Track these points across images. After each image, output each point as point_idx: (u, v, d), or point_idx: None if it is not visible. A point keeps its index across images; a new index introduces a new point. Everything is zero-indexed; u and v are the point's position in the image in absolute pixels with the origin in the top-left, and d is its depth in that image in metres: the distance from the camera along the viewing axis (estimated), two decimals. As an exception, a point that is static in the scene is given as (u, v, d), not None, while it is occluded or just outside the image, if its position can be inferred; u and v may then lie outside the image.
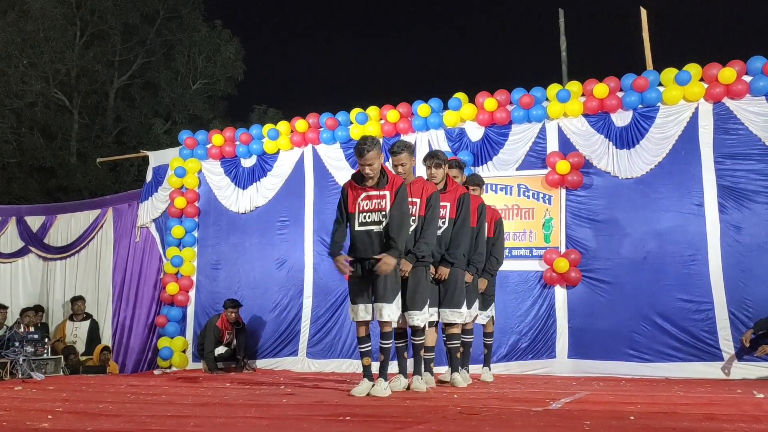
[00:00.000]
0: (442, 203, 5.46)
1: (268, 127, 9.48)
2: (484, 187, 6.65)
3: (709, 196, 7.34)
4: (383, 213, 4.87)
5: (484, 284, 6.13)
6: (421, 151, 8.65)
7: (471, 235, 5.72)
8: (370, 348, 4.97)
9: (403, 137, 8.77)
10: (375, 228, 4.89)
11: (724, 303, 7.11)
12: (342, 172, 9.00)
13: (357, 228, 4.96)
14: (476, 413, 3.69)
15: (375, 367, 4.98)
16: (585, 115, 7.96)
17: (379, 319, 4.90)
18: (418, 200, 5.23)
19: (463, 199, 5.60)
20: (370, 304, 4.93)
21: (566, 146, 7.98)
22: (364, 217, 4.92)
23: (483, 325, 6.53)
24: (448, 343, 5.82)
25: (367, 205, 4.92)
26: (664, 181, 7.56)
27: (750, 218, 7.18)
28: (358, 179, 5.02)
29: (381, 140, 5.45)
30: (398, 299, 4.94)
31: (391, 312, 4.86)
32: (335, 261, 5.00)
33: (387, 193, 4.89)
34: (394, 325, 5.06)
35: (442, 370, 6.38)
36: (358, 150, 4.85)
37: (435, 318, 5.56)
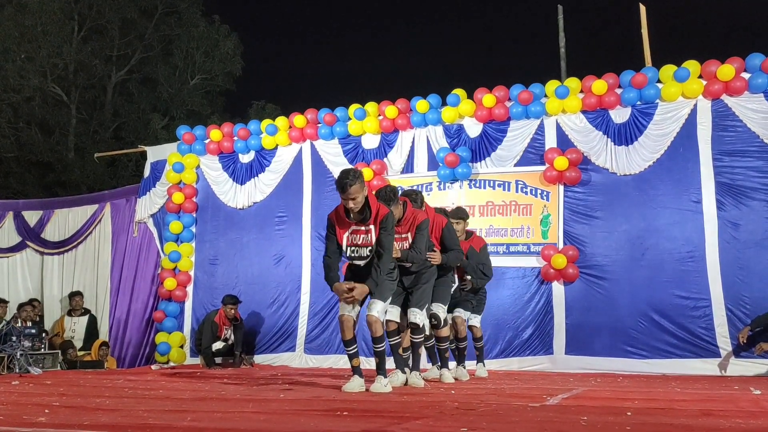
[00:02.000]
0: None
1: (266, 122, 9.47)
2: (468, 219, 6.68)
3: (707, 193, 7.34)
4: (369, 248, 4.89)
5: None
6: (419, 147, 8.67)
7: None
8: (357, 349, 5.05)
9: (402, 133, 8.77)
10: (362, 263, 4.95)
11: (722, 300, 7.12)
12: (340, 167, 8.95)
13: (349, 259, 5.03)
14: (473, 409, 3.70)
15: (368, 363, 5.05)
16: (583, 112, 7.96)
17: (388, 318, 5.16)
18: (409, 234, 5.34)
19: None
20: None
21: (564, 142, 7.98)
22: (353, 251, 4.95)
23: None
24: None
25: (354, 240, 4.93)
26: (662, 178, 7.56)
27: (748, 215, 7.19)
28: (344, 212, 4.95)
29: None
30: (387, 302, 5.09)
31: (378, 311, 4.99)
32: (335, 289, 4.93)
33: (372, 227, 4.89)
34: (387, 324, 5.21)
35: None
36: (341, 185, 4.74)
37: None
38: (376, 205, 4.94)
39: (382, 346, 5.00)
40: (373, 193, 5.20)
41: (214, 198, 9.67)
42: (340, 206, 4.98)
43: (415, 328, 5.36)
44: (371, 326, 4.94)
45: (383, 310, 4.99)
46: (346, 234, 4.93)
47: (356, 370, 4.96)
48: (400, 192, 5.58)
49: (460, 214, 6.43)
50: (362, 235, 4.90)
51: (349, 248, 4.94)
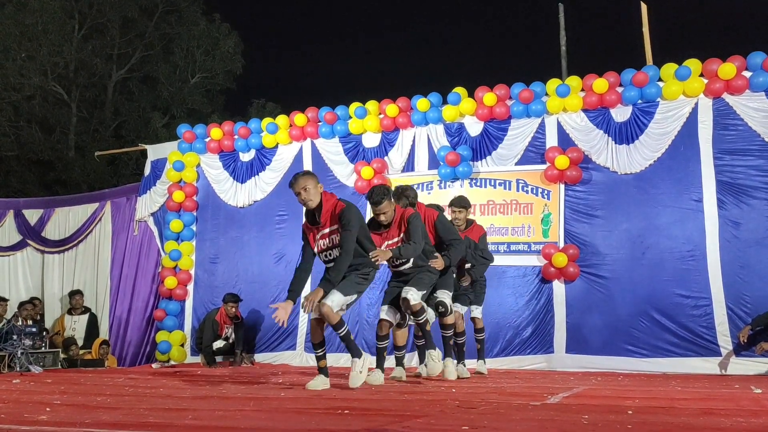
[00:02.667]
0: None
1: (266, 121, 9.46)
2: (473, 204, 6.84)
3: (708, 191, 7.34)
4: (338, 249, 4.87)
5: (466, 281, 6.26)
6: (420, 146, 8.66)
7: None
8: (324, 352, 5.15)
9: (403, 132, 8.75)
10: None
11: (722, 299, 7.12)
12: (340, 166, 8.99)
13: (326, 264, 5.03)
14: (474, 407, 3.70)
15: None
16: (584, 110, 7.96)
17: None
18: (402, 235, 5.33)
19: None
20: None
21: (565, 141, 7.97)
22: (326, 257, 4.98)
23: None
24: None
25: (322, 245, 4.95)
26: (663, 177, 7.55)
27: (749, 214, 7.18)
28: (308, 218, 4.99)
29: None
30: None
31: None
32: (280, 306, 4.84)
33: (335, 227, 4.88)
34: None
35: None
36: (292, 179, 4.88)
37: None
38: (331, 202, 4.91)
39: (342, 331, 4.97)
40: (366, 194, 5.30)
41: (215, 196, 9.67)
42: (305, 214, 5.01)
43: (411, 308, 5.27)
44: (326, 317, 4.87)
45: (340, 303, 4.87)
46: (316, 240, 4.94)
47: (322, 370, 5.06)
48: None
49: (462, 202, 6.36)
50: (328, 238, 4.89)
51: (321, 254, 4.96)
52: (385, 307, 5.47)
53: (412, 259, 5.41)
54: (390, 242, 5.33)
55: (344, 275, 4.85)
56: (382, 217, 5.19)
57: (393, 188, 5.78)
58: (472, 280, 6.24)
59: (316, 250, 4.96)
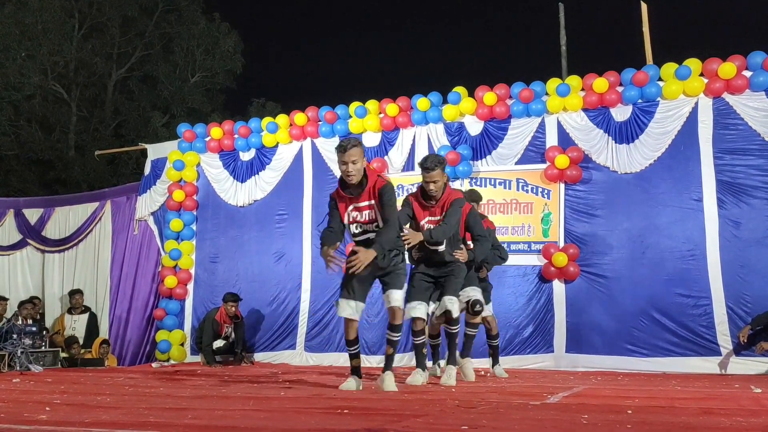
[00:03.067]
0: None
1: (266, 120, 9.46)
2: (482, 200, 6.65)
3: (708, 191, 7.34)
4: (376, 225, 4.70)
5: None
6: (420, 145, 8.66)
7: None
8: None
9: (403, 131, 8.75)
10: (371, 236, 4.74)
11: (722, 298, 7.12)
12: (341, 165, 8.97)
13: (354, 238, 4.83)
14: (474, 407, 3.70)
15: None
16: (584, 110, 7.95)
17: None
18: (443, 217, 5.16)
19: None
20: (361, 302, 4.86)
21: (565, 141, 7.97)
22: (356, 228, 4.77)
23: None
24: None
25: (355, 216, 4.74)
26: (663, 176, 7.55)
27: (749, 213, 7.19)
28: (342, 186, 4.81)
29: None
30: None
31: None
32: (323, 252, 4.69)
33: (373, 202, 4.70)
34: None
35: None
36: (340, 146, 4.65)
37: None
38: (374, 176, 4.77)
39: (398, 336, 4.84)
40: (420, 160, 5.11)
41: (215, 196, 9.67)
42: (340, 182, 4.83)
43: (451, 318, 5.21)
44: (394, 314, 4.75)
45: (401, 299, 4.79)
46: (348, 210, 4.75)
47: (355, 370, 4.90)
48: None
49: (473, 196, 6.25)
50: (366, 212, 4.70)
51: (351, 225, 4.76)
52: (416, 304, 5.19)
53: (444, 247, 5.16)
54: (432, 219, 5.15)
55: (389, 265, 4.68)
56: (432, 186, 4.99)
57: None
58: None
59: (347, 220, 4.76)
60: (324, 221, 9.00)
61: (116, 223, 10.17)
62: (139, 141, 14.15)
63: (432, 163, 5.08)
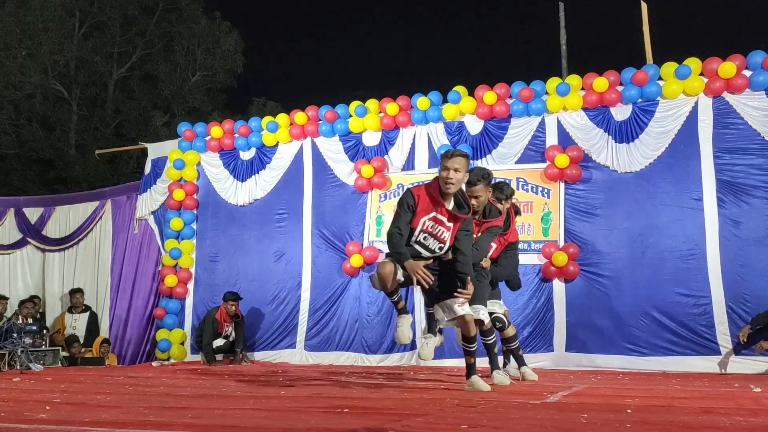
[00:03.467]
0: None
1: (267, 119, 9.46)
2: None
3: (707, 190, 7.34)
4: (441, 246, 4.56)
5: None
6: (420, 145, 8.66)
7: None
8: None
9: (403, 130, 8.75)
10: (425, 254, 4.59)
11: (722, 298, 7.12)
12: (341, 164, 8.99)
13: (413, 244, 4.60)
14: (474, 406, 3.70)
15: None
16: (584, 109, 7.95)
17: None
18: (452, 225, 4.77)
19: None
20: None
21: (565, 140, 7.97)
22: (424, 239, 4.57)
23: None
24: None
25: (431, 227, 4.54)
26: (663, 176, 7.55)
27: (748, 213, 7.18)
28: (438, 194, 4.51)
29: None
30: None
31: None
32: (411, 266, 4.43)
33: (453, 224, 4.54)
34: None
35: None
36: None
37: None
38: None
39: (474, 346, 4.71)
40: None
41: (215, 195, 9.67)
42: (432, 186, 4.55)
43: (482, 327, 5.02)
44: (467, 325, 4.59)
45: (468, 309, 4.60)
46: (425, 218, 4.51)
47: (402, 310, 4.74)
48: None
49: (507, 192, 5.52)
50: (443, 229, 4.51)
51: (421, 233, 4.53)
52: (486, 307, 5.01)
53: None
54: (440, 218, 4.64)
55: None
56: (474, 202, 4.75)
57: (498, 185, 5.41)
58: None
59: (419, 227, 4.53)
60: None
61: (116, 222, 10.18)
62: (139, 140, 14.15)
63: (476, 177, 4.84)
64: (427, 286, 4.53)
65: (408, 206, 4.55)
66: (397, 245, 4.50)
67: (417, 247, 4.59)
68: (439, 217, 4.53)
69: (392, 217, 4.68)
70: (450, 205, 4.55)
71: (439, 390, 4.80)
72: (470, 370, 4.73)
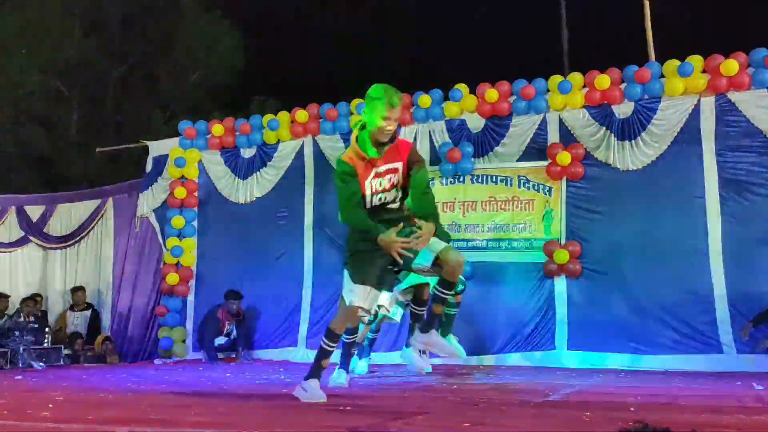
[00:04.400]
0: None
1: (268, 117, 9.45)
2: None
3: (710, 188, 7.32)
4: (396, 189, 4.05)
5: None
6: (421, 142, 8.64)
7: None
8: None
9: (404, 129, 8.73)
10: (391, 212, 4.03)
11: (725, 295, 7.10)
12: (342, 163, 8.97)
13: (372, 213, 4.06)
14: (476, 404, 3.70)
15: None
16: (586, 107, 7.93)
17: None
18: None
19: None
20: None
21: (567, 138, 7.95)
22: (379, 199, 4.04)
23: None
24: None
25: (378, 185, 4.02)
26: (666, 173, 7.53)
27: (751, 211, 7.17)
28: (363, 151, 3.99)
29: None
30: None
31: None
32: (385, 240, 3.85)
33: (398, 165, 4.01)
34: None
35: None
36: (392, 99, 3.91)
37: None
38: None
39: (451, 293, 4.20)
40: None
41: (216, 193, 9.67)
42: (350, 150, 4.07)
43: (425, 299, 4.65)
44: (459, 269, 3.95)
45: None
46: (368, 180, 3.97)
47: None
48: None
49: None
50: (387, 176, 3.99)
51: (374, 197, 3.99)
52: (385, 294, 4.41)
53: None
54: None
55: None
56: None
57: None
58: None
59: (369, 192, 3.98)
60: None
61: (118, 221, 10.18)
62: (140, 138, 14.13)
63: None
64: (404, 260, 3.89)
65: (350, 173, 3.99)
66: (362, 222, 3.96)
67: (381, 212, 4.03)
68: (379, 170, 4.00)
69: (339, 197, 4.07)
70: (379, 151, 3.99)
71: (441, 389, 4.79)
72: (436, 322, 4.24)
